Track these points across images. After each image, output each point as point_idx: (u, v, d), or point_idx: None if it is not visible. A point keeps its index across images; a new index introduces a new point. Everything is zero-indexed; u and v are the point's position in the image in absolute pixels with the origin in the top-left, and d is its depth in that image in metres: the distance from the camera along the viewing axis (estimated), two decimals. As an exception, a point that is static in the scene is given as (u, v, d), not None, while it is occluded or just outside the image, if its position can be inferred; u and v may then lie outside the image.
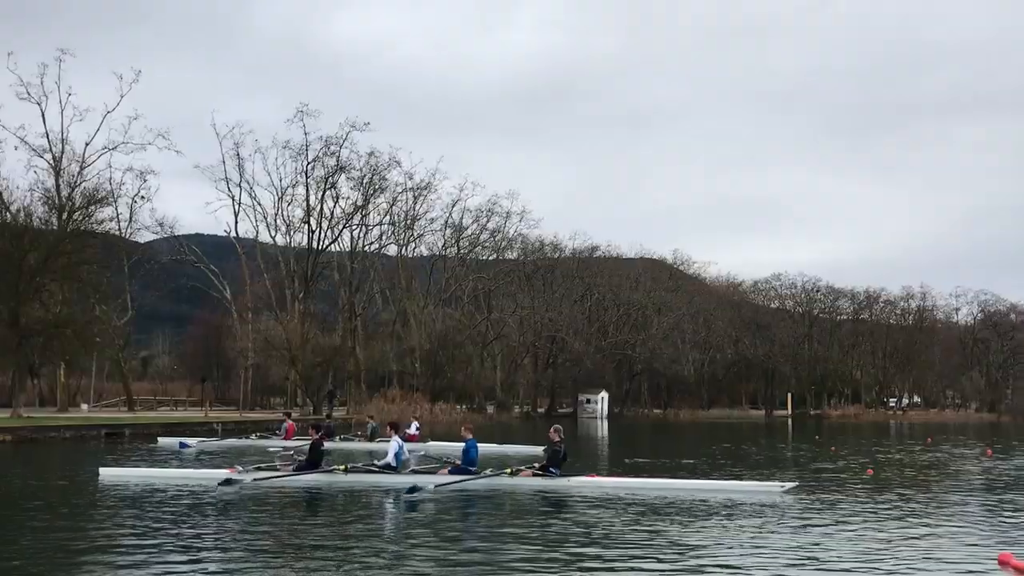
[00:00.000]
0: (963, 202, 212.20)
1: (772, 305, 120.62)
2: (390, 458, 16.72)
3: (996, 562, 9.09)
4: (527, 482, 15.78)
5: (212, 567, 8.74)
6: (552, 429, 16.63)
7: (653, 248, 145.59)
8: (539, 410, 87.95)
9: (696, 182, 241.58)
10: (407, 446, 25.41)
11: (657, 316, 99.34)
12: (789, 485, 15.34)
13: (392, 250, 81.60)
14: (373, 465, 17.04)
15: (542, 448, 16.54)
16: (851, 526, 11.84)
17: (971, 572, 8.69)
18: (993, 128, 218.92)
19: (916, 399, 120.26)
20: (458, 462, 16.73)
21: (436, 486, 15.00)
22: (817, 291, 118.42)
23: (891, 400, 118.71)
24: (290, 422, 31.28)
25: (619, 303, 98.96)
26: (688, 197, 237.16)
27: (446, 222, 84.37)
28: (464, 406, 74.70)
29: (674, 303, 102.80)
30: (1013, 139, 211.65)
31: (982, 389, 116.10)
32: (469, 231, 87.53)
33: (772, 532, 11.16)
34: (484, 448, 21.83)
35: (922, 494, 16.45)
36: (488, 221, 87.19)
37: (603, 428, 59.58)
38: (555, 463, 16.07)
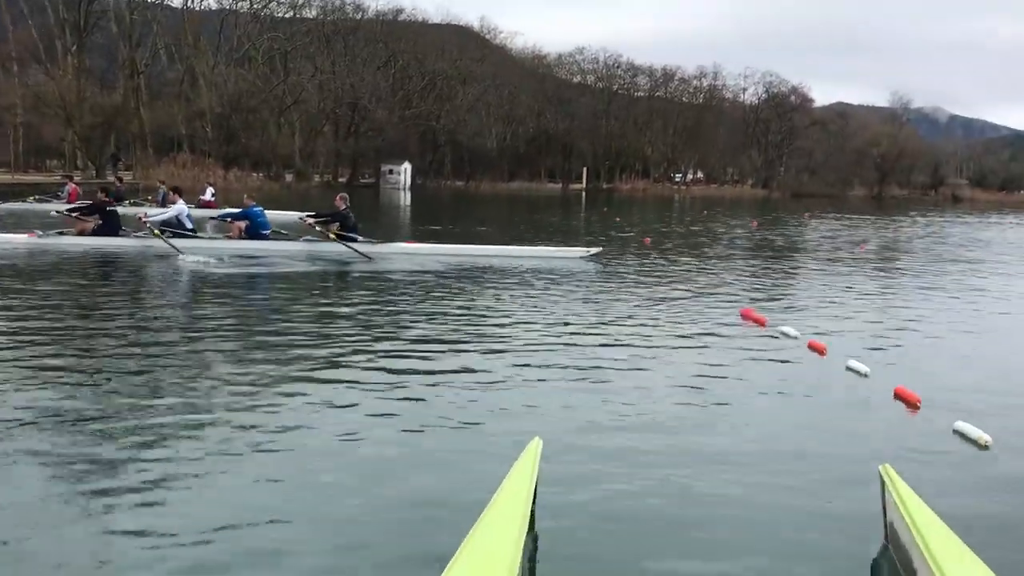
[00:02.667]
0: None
1: (575, 80, 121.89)
2: (166, 217, 16.32)
3: (739, 315, 10.33)
4: (335, 248, 15.61)
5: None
6: (338, 196, 16.49)
7: (460, 14, 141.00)
8: (340, 180, 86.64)
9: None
10: (206, 212, 24.65)
11: (463, 87, 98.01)
12: (593, 251, 16.35)
13: (176, 1, 74.75)
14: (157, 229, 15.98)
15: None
16: (631, 287, 12.98)
17: (719, 323, 9.83)
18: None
19: (699, 175, 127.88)
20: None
21: (230, 256, 14.87)
22: (618, 67, 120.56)
23: (677, 176, 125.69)
24: (72, 185, 29.37)
25: (424, 72, 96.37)
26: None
27: (237, -27, 77.70)
28: (260, 174, 72.33)
29: (480, 74, 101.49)
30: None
31: (759, 167, 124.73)
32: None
33: (573, 292, 12.05)
34: (279, 216, 21.59)
35: (690, 259, 18.08)
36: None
37: (406, 198, 59.94)
38: (349, 228, 16.01)
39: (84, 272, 13.64)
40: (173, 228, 16.13)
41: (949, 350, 8.80)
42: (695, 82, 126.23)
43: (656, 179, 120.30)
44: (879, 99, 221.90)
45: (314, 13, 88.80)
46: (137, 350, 7.57)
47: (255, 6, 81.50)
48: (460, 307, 10.52)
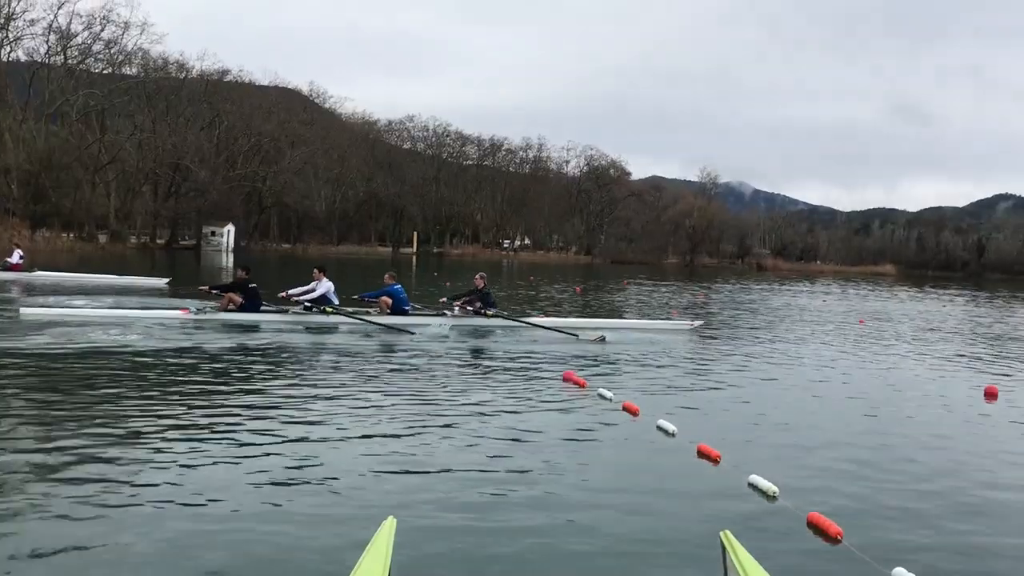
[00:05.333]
0: (579, 63, 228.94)
1: (404, 146, 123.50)
2: (317, 295, 16.32)
3: (562, 378, 10.87)
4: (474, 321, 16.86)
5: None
6: (478, 276, 18.01)
7: (289, 77, 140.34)
8: (159, 241, 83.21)
9: (333, 13, 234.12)
10: (10, 276, 23.17)
11: (290, 149, 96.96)
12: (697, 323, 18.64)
13: (-20, 51, 70.42)
14: None
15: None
16: (469, 355, 13.31)
17: (545, 385, 10.29)
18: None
19: (527, 241, 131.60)
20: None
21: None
22: (447, 136, 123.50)
23: (505, 241, 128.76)
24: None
25: (250, 133, 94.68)
26: (326, 30, 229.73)
27: (50, 26, 74.37)
28: (72, 235, 68.44)
29: (308, 137, 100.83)
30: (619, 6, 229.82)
31: (581, 234, 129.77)
32: (80, 39, 77.97)
33: (408, 365, 12.20)
34: (100, 280, 20.54)
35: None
36: (103, 30, 78.17)
37: (227, 260, 58.28)
38: (489, 304, 17.33)
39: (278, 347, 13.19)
40: (322, 304, 16.27)
41: (745, 408, 9.63)
42: (521, 153, 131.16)
43: (485, 244, 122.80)
44: (690, 174, 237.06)
45: (135, 71, 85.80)
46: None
47: (70, 61, 77.94)
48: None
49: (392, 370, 11.15)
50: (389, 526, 4.15)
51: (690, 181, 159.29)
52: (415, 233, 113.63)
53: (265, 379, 10.07)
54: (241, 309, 15.90)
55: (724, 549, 4.05)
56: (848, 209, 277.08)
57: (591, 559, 4.85)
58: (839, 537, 5.20)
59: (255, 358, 11.69)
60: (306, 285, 16.62)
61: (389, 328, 15.49)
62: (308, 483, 6.01)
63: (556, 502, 5.82)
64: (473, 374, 11.18)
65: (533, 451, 7.14)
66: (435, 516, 5.43)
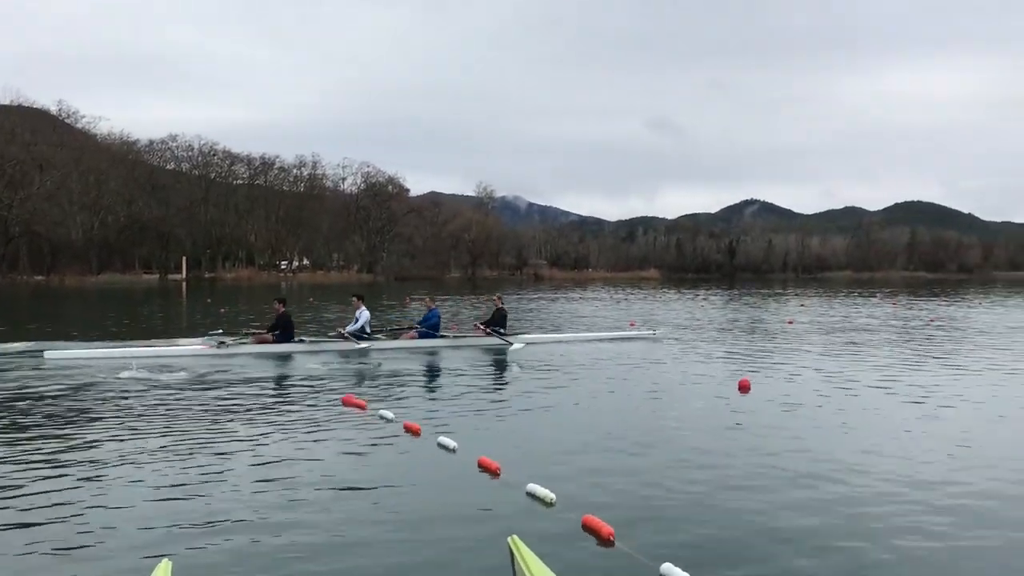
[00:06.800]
0: (353, 82, 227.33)
1: (168, 167, 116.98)
2: (360, 325, 17.83)
3: (341, 402, 10.67)
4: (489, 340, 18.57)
5: None
6: (496, 296, 20.81)
7: (33, 96, 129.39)
8: None
9: (83, 25, 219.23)
10: None
11: (39, 173, 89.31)
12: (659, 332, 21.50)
13: None
14: None
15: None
16: (238, 383, 12.72)
17: (323, 410, 10.06)
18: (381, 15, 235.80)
19: (305, 261, 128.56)
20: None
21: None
22: (214, 155, 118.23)
23: (283, 263, 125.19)
24: None
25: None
26: (75, 44, 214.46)
27: None
28: None
29: (59, 160, 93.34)
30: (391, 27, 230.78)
31: (363, 252, 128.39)
32: None
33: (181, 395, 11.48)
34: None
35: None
36: None
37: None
38: (497, 322, 19.31)
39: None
40: (362, 334, 17.72)
41: (524, 419, 9.88)
42: (295, 171, 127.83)
43: (261, 267, 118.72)
44: (468, 189, 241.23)
45: None
46: None
47: None
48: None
49: (158, 405, 10.48)
50: (164, 569, 4.01)
51: (468, 196, 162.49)
52: (184, 258, 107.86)
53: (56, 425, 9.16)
54: (274, 341, 16.99)
55: (512, 554, 4.11)
56: (614, 219, 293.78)
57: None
58: (611, 538, 5.43)
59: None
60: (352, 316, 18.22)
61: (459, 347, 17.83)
62: (80, 524, 5.71)
63: (338, 528, 5.73)
64: (249, 404, 10.70)
65: (312, 478, 6.98)
66: (213, 555, 5.21)
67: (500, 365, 15.40)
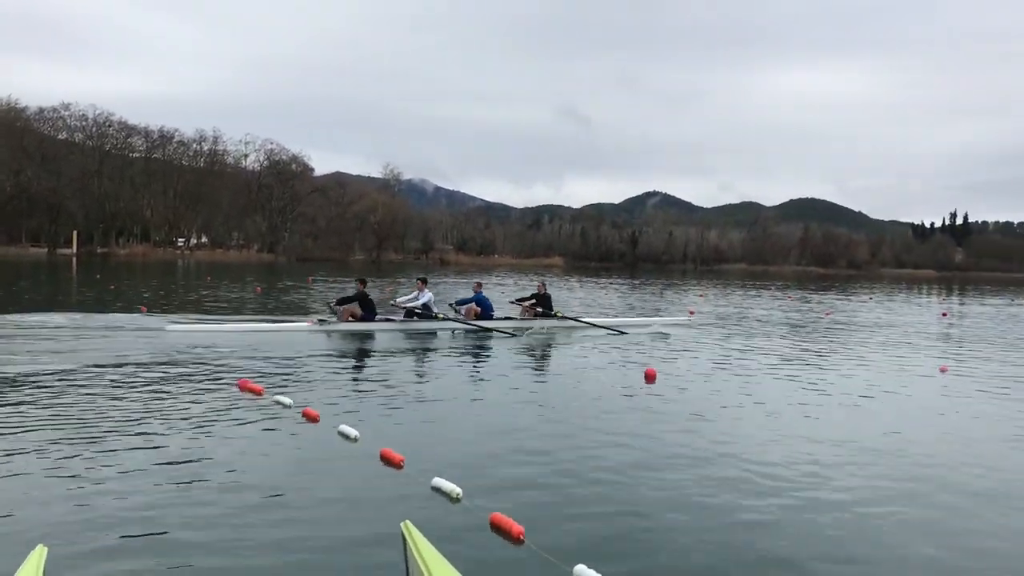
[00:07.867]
0: (258, 55, 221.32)
1: (61, 136, 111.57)
2: (423, 301, 18.38)
3: (236, 386, 10.17)
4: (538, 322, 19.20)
5: None
6: (540, 283, 20.66)
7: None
8: None
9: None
10: None
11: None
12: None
13: None
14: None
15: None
16: (121, 365, 12.03)
17: (217, 396, 9.56)
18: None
19: (204, 239, 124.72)
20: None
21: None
22: (109, 126, 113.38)
23: (180, 240, 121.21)
24: None
25: None
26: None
27: None
28: None
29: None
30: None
31: (264, 231, 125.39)
32: None
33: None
34: None
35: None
36: None
37: None
38: (547, 306, 19.74)
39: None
40: (421, 312, 18.25)
41: (431, 410, 9.56)
42: (195, 145, 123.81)
43: (157, 243, 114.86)
44: (374, 170, 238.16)
45: None
46: None
47: None
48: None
49: (45, 388, 9.79)
50: (38, 555, 3.84)
51: (374, 177, 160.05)
52: (75, 232, 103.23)
53: None
54: (361, 319, 17.74)
55: (404, 540, 3.98)
56: (521, 206, 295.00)
57: (270, 571, 4.61)
58: (521, 537, 5.21)
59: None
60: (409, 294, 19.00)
61: (494, 331, 17.85)
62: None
63: (230, 514, 5.49)
64: (140, 390, 10.09)
65: (206, 463, 6.67)
66: (91, 541, 4.97)
67: (449, 351, 15.14)
